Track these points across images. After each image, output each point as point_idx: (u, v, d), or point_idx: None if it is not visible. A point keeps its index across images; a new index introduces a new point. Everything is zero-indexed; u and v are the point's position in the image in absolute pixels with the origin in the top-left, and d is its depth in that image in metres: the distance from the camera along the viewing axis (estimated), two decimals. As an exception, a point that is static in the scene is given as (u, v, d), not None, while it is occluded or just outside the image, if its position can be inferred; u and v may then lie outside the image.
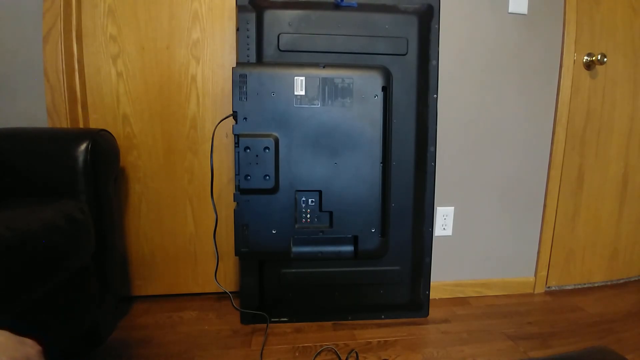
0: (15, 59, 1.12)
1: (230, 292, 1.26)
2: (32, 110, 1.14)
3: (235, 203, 1.05)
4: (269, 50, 1.08)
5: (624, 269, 1.56)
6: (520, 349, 1.06)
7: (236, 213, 1.05)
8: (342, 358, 1.00)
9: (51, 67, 1.12)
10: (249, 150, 1.01)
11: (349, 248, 1.12)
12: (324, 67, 1.04)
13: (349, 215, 1.09)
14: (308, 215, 1.10)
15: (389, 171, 1.11)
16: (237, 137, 1.01)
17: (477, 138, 1.34)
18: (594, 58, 1.34)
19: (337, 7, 1.10)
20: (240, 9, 1.07)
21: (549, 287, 1.49)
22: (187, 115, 1.26)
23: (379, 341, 1.09)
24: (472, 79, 1.30)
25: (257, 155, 1.01)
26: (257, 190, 1.04)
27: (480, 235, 1.40)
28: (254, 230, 1.06)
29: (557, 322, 1.23)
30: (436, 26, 1.13)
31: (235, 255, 1.07)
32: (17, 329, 0.41)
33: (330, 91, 1.04)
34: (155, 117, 1.25)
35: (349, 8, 1.10)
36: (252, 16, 1.07)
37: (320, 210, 1.09)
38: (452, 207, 1.36)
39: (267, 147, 1.01)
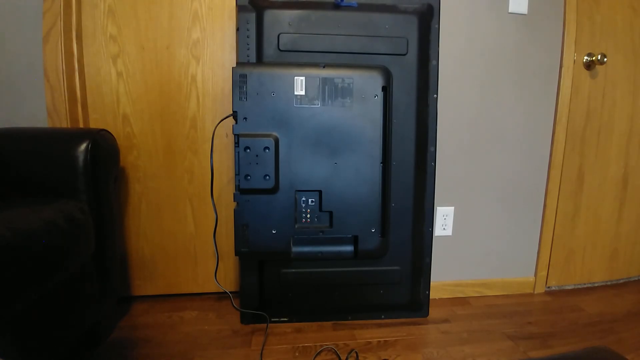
0: (15, 59, 1.12)
1: (230, 292, 1.26)
2: (32, 110, 1.14)
3: (235, 203, 1.05)
4: (269, 50, 1.08)
5: (624, 269, 1.56)
6: (520, 349, 1.06)
7: (236, 213, 1.05)
8: (342, 358, 1.00)
9: (51, 67, 1.12)
10: (249, 150, 1.01)
11: (349, 248, 1.12)
12: (324, 67, 1.04)
13: (349, 215, 1.09)
14: (308, 215, 1.10)
15: (389, 171, 1.11)
16: (237, 137, 1.01)
17: (477, 138, 1.34)
18: (594, 58, 1.34)
19: (337, 7, 1.10)
20: (240, 8, 1.07)
21: (549, 287, 1.49)
22: (187, 115, 1.26)
23: (379, 341, 1.09)
24: (472, 79, 1.30)
25: (257, 155, 1.01)
26: (257, 190, 1.04)
27: (480, 235, 1.40)
28: (254, 230, 1.06)
29: (557, 322, 1.23)
30: (436, 26, 1.13)
31: (235, 255, 1.07)
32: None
33: (330, 91, 1.04)
34: (155, 117, 1.25)
35: (349, 8, 1.10)
36: (252, 16, 1.07)
37: (320, 210, 1.09)
38: (452, 207, 1.36)
39: (267, 147, 1.01)
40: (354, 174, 1.07)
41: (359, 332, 1.14)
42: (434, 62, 1.14)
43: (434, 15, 1.13)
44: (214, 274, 1.32)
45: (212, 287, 1.36)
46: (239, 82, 1.01)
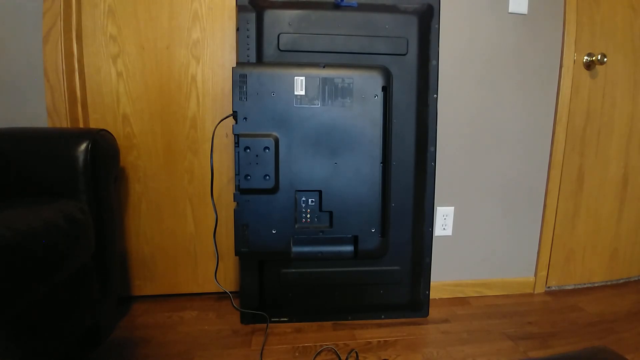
0: (15, 59, 1.12)
1: (230, 292, 1.26)
2: (32, 110, 1.14)
3: (235, 203, 1.05)
4: (269, 50, 1.08)
5: (624, 269, 1.56)
6: (520, 349, 1.06)
7: (236, 213, 1.05)
8: (342, 358, 1.00)
9: (51, 67, 1.12)
10: (249, 150, 1.01)
11: (349, 248, 1.12)
12: (324, 67, 1.04)
13: (349, 215, 1.09)
14: (308, 215, 1.10)
15: (389, 171, 1.11)
16: (237, 137, 1.01)
17: (477, 138, 1.34)
18: (594, 58, 1.34)
19: (337, 7, 1.10)
20: (240, 8, 1.07)
21: (549, 287, 1.49)
22: (187, 115, 1.26)
23: (379, 341, 1.09)
24: (472, 79, 1.30)
25: (257, 155, 1.01)
26: (257, 190, 1.04)
27: (480, 235, 1.40)
28: (254, 230, 1.06)
29: (557, 322, 1.23)
30: (436, 26, 1.13)
31: (235, 255, 1.07)
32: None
33: (330, 91, 1.04)
34: (155, 117, 1.25)
35: (349, 8, 1.10)
36: (252, 16, 1.07)
37: (320, 210, 1.09)
38: (452, 207, 1.36)
39: (267, 147, 1.01)
40: (354, 174, 1.07)
41: (359, 332, 1.14)
42: (434, 62, 1.14)
43: (434, 15, 1.13)
44: (214, 274, 1.32)
45: (212, 287, 1.36)
46: (239, 82, 1.01)
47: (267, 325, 1.16)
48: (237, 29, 1.08)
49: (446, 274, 1.39)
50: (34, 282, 0.67)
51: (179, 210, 1.31)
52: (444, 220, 1.35)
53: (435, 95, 1.15)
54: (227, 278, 1.37)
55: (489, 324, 1.20)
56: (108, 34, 1.19)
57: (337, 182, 1.07)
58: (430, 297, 1.30)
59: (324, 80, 1.03)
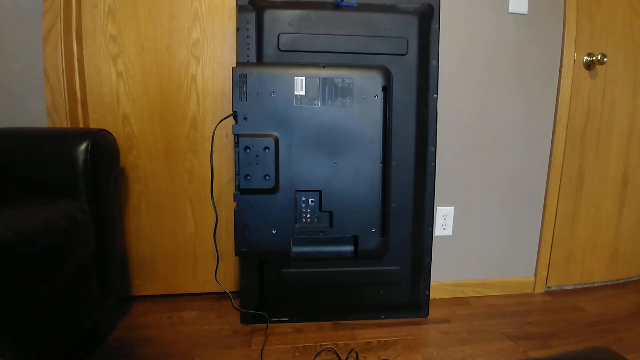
0: (15, 59, 1.12)
1: (230, 292, 1.26)
2: (32, 110, 1.14)
3: (235, 203, 1.05)
4: (269, 50, 1.08)
5: (624, 269, 1.56)
6: (520, 349, 1.06)
7: (236, 213, 1.05)
8: (342, 358, 1.00)
9: (51, 67, 1.12)
10: (249, 150, 1.01)
11: (349, 248, 1.12)
12: (324, 67, 1.04)
13: (349, 215, 1.09)
14: (308, 215, 1.10)
15: (389, 171, 1.11)
16: (237, 137, 1.01)
17: (477, 138, 1.34)
18: (594, 58, 1.34)
19: (337, 7, 1.10)
20: (240, 8, 1.07)
21: (549, 287, 1.49)
22: (187, 115, 1.26)
23: (379, 341, 1.09)
24: (472, 79, 1.30)
25: (257, 155, 1.01)
26: (257, 190, 1.04)
27: (480, 235, 1.40)
28: (254, 230, 1.06)
29: (557, 322, 1.23)
30: (436, 26, 1.13)
31: (235, 255, 1.07)
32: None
33: (330, 91, 1.04)
34: (155, 117, 1.25)
35: (349, 8, 1.10)
36: (252, 16, 1.07)
37: (320, 210, 1.09)
38: (452, 207, 1.36)
39: (267, 147, 1.01)
40: (354, 174, 1.07)
41: (359, 332, 1.14)
42: (434, 62, 1.14)
43: (434, 15, 1.13)
44: (214, 274, 1.32)
45: (212, 287, 1.36)
46: (239, 82, 1.01)
47: (267, 325, 1.16)
48: (237, 29, 1.08)
49: (446, 274, 1.39)
50: (34, 282, 0.67)
51: (179, 210, 1.31)
52: (444, 220, 1.35)
53: (435, 95, 1.15)
54: (227, 278, 1.37)
55: (489, 324, 1.20)
56: (108, 34, 1.19)
57: (337, 182, 1.07)
58: (430, 297, 1.30)
59: (324, 80, 1.03)
